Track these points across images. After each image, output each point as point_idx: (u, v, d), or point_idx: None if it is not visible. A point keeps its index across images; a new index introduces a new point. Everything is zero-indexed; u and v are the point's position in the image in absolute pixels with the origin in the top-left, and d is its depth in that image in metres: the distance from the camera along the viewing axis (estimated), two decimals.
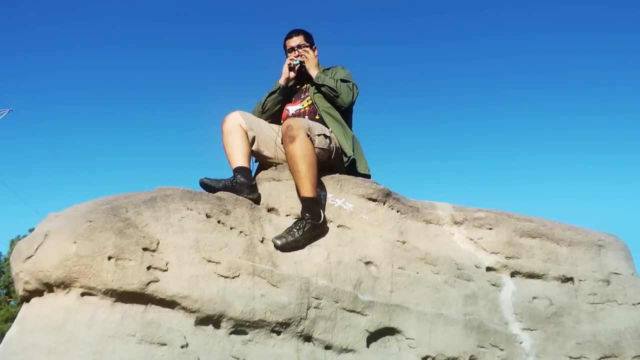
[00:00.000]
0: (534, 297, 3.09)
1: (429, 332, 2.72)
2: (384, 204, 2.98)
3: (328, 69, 3.40)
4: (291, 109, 3.36)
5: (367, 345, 2.60)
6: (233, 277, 2.36)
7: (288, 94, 3.41)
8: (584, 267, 3.32)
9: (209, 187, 2.80)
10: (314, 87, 3.29)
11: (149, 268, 2.21)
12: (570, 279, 3.26)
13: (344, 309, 2.57)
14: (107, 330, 2.08)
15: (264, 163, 3.22)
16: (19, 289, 2.32)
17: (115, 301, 2.15)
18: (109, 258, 2.15)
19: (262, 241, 2.60)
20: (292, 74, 3.38)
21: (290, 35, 3.48)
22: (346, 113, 3.31)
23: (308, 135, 2.79)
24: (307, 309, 2.47)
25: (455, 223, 3.22)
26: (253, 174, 3.03)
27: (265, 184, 2.97)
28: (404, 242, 2.91)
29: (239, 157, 2.95)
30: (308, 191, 2.71)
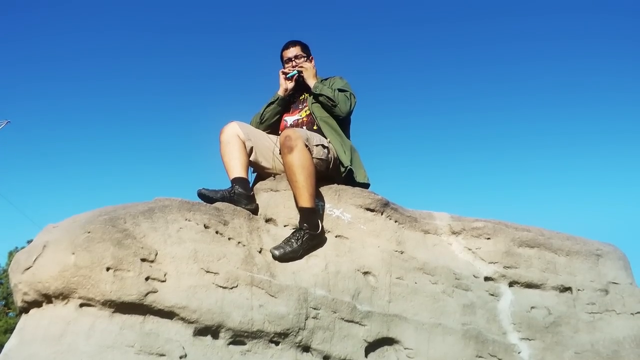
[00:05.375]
0: (532, 307, 3.10)
1: (427, 342, 2.72)
2: (381, 214, 2.99)
3: (326, 79, 3.43)
4: (289, 119, 3.37)
5: (366, 355, 2.60)
6: (231, 288, 2.37)
7: (286, 104, 3.42)
8: (582, 277, 3.33)
9: (207, 197, 2.81)
10: (312, 97, 3.31)
11: (147, 279, 2.21)
12: (569, 289, 3.26)
13: (342, 319, 2.57)
14: (105, 341, 2.08)
15: (262, 173, 3.22)
16: (18, 300, 2.32)
17: (113, 312, 2.16)
18: (108, 269, 2.15)
19: (260, 252, 2.61)
20: (291, 85, 3.40)
21: (287, 46, 3.51)
22: (344, 123, 3.33)
23: (306, 146, 2.81)
24: (306, 319, 2.48)
25: (453, 233, 3.23)
26: (251, 184, 3.04)
27: (263, 194, 2.98)
28: (402, 252, 2.92)
29: (236, 168, 2.96)
30: (306, 201, 2.72)
